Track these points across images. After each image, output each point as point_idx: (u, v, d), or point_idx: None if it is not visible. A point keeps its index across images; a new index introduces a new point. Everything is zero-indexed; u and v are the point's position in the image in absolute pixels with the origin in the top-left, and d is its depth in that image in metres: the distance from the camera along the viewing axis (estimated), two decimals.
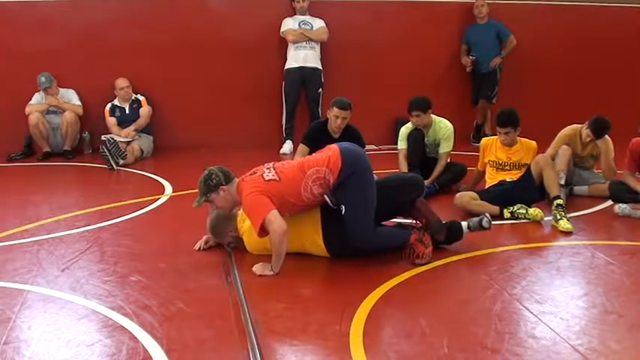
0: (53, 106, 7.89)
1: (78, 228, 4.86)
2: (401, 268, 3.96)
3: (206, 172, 4.06)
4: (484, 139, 5.91)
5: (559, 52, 8.94)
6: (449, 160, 6.16)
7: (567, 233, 4.68)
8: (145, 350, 2.94)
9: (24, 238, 4.62)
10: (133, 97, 7.97)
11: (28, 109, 7.81)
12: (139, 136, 7.79)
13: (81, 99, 8.00)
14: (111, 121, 7.86)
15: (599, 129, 5.61)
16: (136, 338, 3.05)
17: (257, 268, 3.91)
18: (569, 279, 3.90)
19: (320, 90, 8.16)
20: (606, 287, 3.71)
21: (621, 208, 5.15)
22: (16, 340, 3.06)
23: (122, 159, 7.28)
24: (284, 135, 8.20)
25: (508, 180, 5.46)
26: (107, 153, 7.14)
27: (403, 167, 6.06)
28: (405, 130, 6.20)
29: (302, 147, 5.84)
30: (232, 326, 3.21)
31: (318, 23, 8.21)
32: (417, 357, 2.95)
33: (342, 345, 3.00)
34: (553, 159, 5.47)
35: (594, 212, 5.36)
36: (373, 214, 4.05)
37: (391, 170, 5.95)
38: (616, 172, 5.61)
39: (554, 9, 9.00)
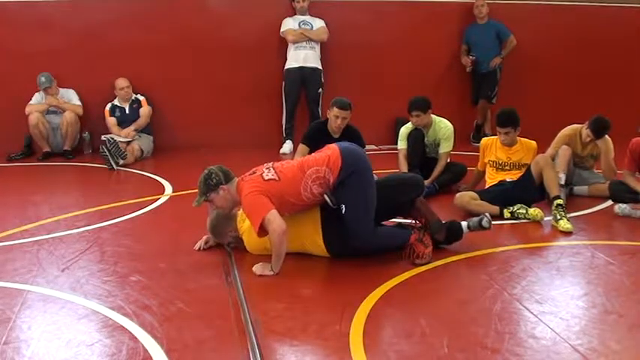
0: (53, 106, 7.89)
1: (78, 228, 4.86)
2: (401, 268, 3.96)
3: (206, 171, 4.06)
4: (484, 139, 5.91)
5: (559, 52, 8.94)
6: (449, 160, 6.16)
7: (567, 233, 4.68)
8: (145, 350, 2.94)
9: (24, 238, 4.61)
10: (133, 97, 7.97)
11: (28, 109, 7.81)
12: (139, 136, 7.80)
13: (81, 99, 8.00)
14: (111, 121, 7.86)
15: (599, 129, 5.61)
16: (136, 338, 3.05)
17: (257, 268, 3.90)
18: (569, 279, 3.90)
19: (320, 90, 8.16)
20: (606, 287, 3.71)
21: (621, 208, 5.15)
22: (16, 340, 3.06)
23: (122, 159, 7.28)
24: (284, 135, 8.21)
25: (508, 180, 5.46)
26: (107, 153, 7.14)
27: (403, 167, 6.06)
28: (405, 130, 6.20)
29: (302, 147, 5.84)
30: (232, 326, 3.21)
31: (318, 23, 8.21)
32: (417, 357, 2.95)
33: (342, 345, 3.00)
34: (553, 159, 5.47)
35: (594, 212, 5.36)
36: (373, 213, 4.04)
37: (391, 170, 5.95)
38: (616, 172, 5.61)
39: (554, 9, 9.01)
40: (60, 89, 7.93)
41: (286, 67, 8.18)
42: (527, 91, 8.70)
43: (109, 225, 4.96)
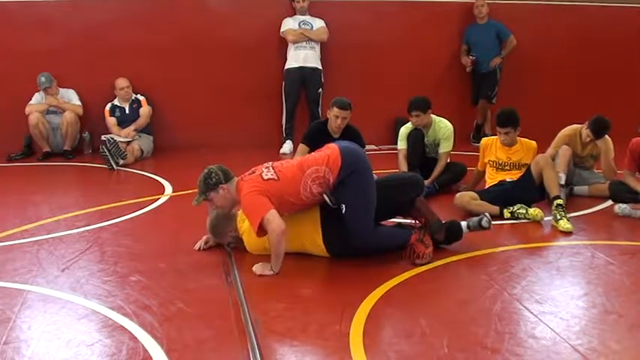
0: (53, 106, 7.89)
1: (78, 228, 4.86)
2: (401, 268, 3.96)
3: (206, 170, 4.06)
4: (484, 139, 5.91)
5: (559, 52, 8.94)
6: (449, 160, 6.16)
7: (567, 233, 4.68)
8: (145, 350, 2.94)
9: (24, 238, 4.61)
10: (133, 97, 7.97)
11: (28, 109, 7.81)
12: (139, 136, 7.80)
13: (81, 99, 8.00)
14: (111, 121, 7.86)
15: (599, 129, 5.61)
16: (136, 338, 3.05)
17: (257, 268, 3.90)
18: (569, 279, 3.90)
19: (320, 90, 8.16)
20: (606, 287, 3.71)
21: (621, 208, 5.15)
22: (16, 340, 3.06)
23: (122, 159, 7.28)
24: (284, 135, 8.21)
25: (508, 180, 5.46)
26: (107, 153, 7.14)
27: (403, 167, 6.06)
28: (404, 130, 6.20)
29: (302, 147, 5.84)
30: (232, 326, 3.20)
31: (318, 23, 8.21)
32: (417, 357, 2.95)
33: (342, 345, 3.00)
34: (553, 159, 5.47)
35: (594, 212, 5.36)
36: (373, 213, 4.04)
37: (391, 170, 5.95)
38: (616, 172, 5.61)
39: (554, 9, 9.01)
40: (60, 89, 7.93)
41: (286, 67, 8.18)
42: (527, 91, 8.70)
43: (109, 225, 4.96)
